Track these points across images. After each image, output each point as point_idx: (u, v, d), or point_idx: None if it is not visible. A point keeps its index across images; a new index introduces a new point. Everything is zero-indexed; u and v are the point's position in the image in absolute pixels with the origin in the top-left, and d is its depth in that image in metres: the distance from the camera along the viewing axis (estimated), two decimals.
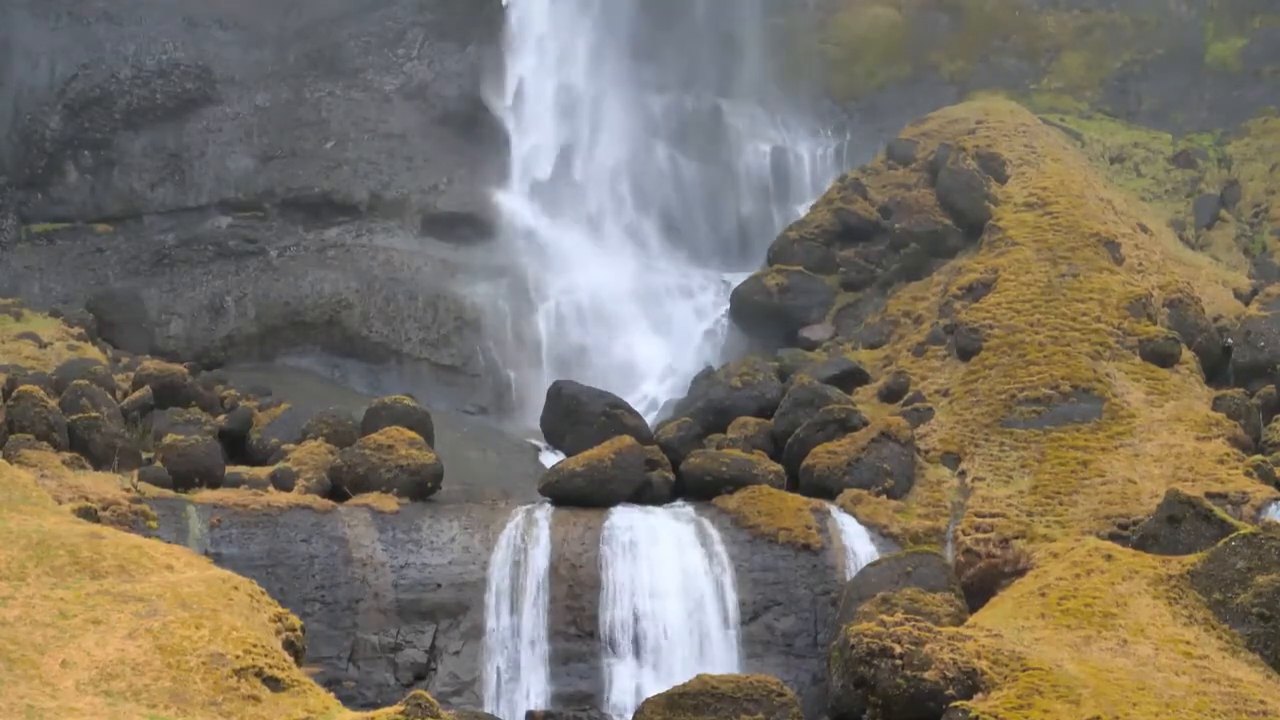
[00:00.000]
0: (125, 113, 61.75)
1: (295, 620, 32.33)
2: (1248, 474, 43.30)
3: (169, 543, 34.94)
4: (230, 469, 43.06)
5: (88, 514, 36.57)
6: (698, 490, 44.24)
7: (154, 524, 38.95)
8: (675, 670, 39.30)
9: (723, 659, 40.15)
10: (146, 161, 61.75)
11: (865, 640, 33.47)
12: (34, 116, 61.17)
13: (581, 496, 42.92)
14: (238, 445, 45.86)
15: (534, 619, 40.47)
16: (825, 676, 38.73)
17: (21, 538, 31.58)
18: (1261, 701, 33.06)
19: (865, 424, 45.64)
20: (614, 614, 40.49)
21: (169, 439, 42.74)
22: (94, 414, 43.00)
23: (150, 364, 49.54)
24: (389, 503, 41.97)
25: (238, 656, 28.57)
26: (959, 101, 65.90)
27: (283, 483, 42.38)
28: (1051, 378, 46.94)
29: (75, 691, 27.14)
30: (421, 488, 42.83)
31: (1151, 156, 65.02)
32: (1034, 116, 62.68)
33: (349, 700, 36.00)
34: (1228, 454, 44.17)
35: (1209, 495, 41.26)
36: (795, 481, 45.03)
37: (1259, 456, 44.40)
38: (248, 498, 41.13)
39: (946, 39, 70.59)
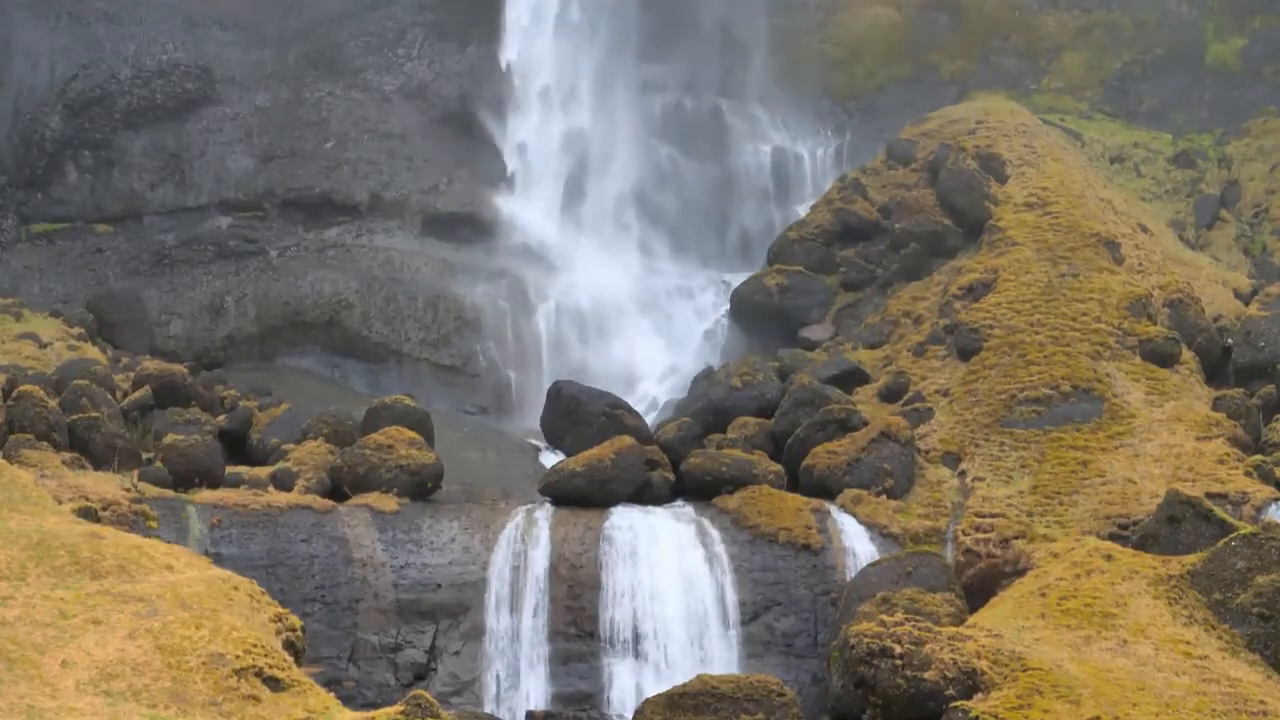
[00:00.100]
0: (125, 113, 61.78)
1: (295, 620, 32.34)
2: (1248, 474, 43.29)
3: (169, 543, 34.95)
4: (230, 469, 43.07)
5: (88, 514, 36.57)
6: (698, 490, 44.23)
7: (154, 524, 38.95)
8: (675, 670, 39.30)
9: (723, 659, 40.14)
10: (146, 161, 61.77)
11: (865, 640, 33.47)
12: (34, 116, 61.20)
13: (581, 496, 42.91)
14: (238, 445, 45.86)
15: (534, 619, 40.47)
16: (825, 676, 38.73)
17: (21, 538, 31.58)
18: (1261, 701, 33.07)
19: (865, 424, 45.64)
20: (614, 614, 40.48)
21: (169, 439, 42.75)
22: (94, 414, 43.00)
23: (150, 364, 49.55)
24: (389, 503, 41.97)
25: (238, 656, 28.57)
26: (959, 101, 65.90)
27: (283, 483, 42.38)
28: (1051, 378, 46.94)
29: (75, 691, 27.14)
30: (421, 488, 42.83)
31: (1151, 156, 65.02)
32: (1034, 116, 62.67)
33: (349, 700, 35.99)
34: (1228, 454, 44.17)
35: (1209, 495, 41.26)
36: (795, 481, 45.02)
37: (1259, 456, 44.40)
38: (248, 498, 41.13)
39: (946, 39, 70.58)
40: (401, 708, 28.34)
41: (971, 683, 32.87)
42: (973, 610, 38.67)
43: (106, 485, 39.80)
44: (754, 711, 33.82)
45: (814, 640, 40.79)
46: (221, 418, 46.76)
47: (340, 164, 62.29)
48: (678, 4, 68.06)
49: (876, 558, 41.28)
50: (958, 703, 32.35)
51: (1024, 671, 33.03)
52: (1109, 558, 37.58)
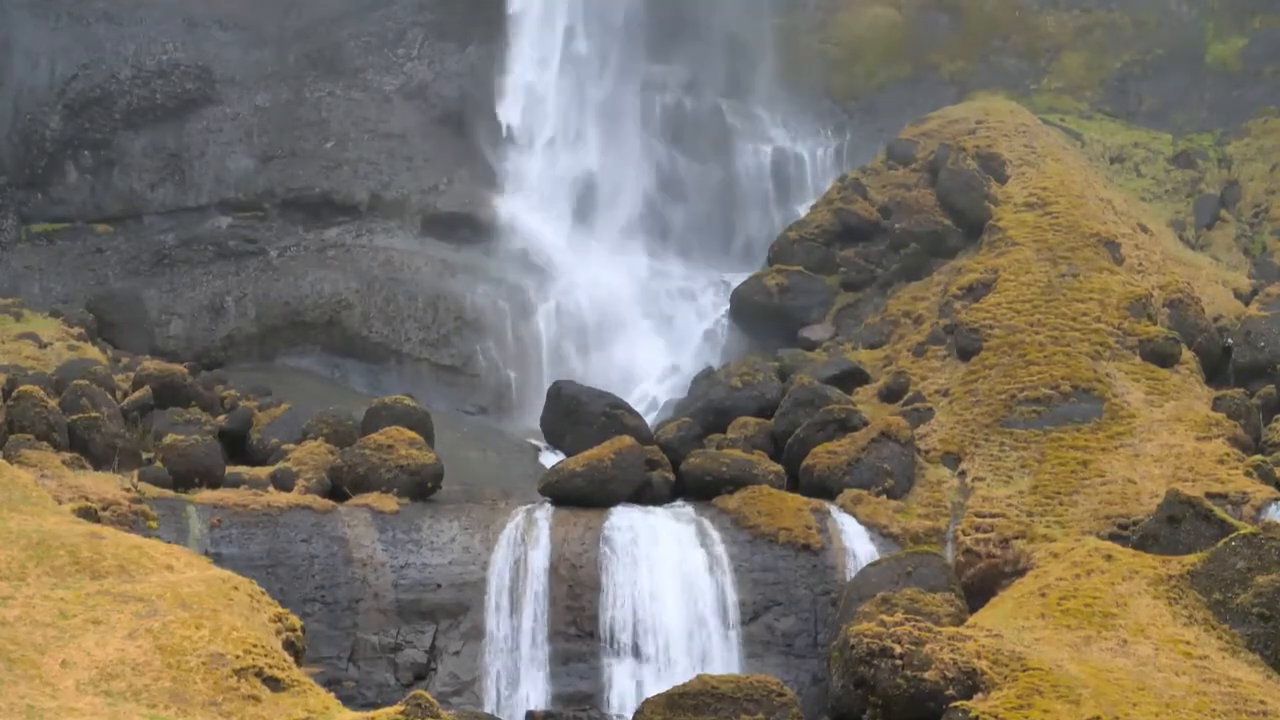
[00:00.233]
0: (125, 113, 61.77)
1: (295, 620, 32.34)
2: (1248, 474, 43.29)
3: (169, 543, 34.94)
4: (230, 469, 43.06)
5: (88, 514, 36.57)
6: (698, 490, 44.23)
7: (154, 524, 38.95)
8: (675, 670, 39.31)
9: (723, 659, 40.14)
10: (146, 161, 61.77)
11: (865, 640, 33.47)
12: (34, 116, 61.20)
13: (581, 496, 42.91)
14: (238, 445, 45.85)
15: (534, 619, 40.47)
16: (825, 676, 38.73)
17: (21, 538, 31.58)
18: (1261, 701, 33.07)
19: (865, 424, 45.64)
20: (614, 614, 40.48)
21: (169, 439, 42.75)
22: (94, 414, 43.00)
23: (150, 364, 49.55)
24: (389, 503, 41.97)
25: (238, 656, 28.57)
26: (959, 101, 65.88)
27: (283, 483, 42.38)
28: (1051, 378, 46.94)
29: (75, 691, 27.14)
30: (421, 488, 42.83)
31: (1151, 156, 65.01)
32: (1034, 116, 62.67)
33: (349, 700, 36.00)
34: (1228, 454, 44.17)
35: (1209, 495, 41.26)
36: (795, 481, 45.02)
37: (1259, 456, 44.40)
38: (248, 498, 41.13)
39: (946, 39, 70.57)
40: (401, 708, 28.34)
41: (971, 683, 32.87)
42: (973, 610, 38.67)
43: (106, 485, 39.80)
44: (754, 711, 33.82)
45: (814, 640, 40.79)
46: (221, 418, 46.76)
47: (340, 164, 62.29)
48: (678, 4, 68.05)
49: (876, 558, 41.27)
50: (958, 703, 32.35)
51: (1024, 671, 33.03)
52: (1109, 558, 37.58)
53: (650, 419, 50.94)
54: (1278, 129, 64.98)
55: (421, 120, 63.61)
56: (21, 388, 42.68)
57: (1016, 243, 53.10)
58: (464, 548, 41.29)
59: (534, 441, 51.96)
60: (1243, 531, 37.09)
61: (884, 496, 43.77)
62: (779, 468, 44.83)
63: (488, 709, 39.42)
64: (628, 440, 44.30)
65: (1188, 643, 34.93)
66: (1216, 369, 50.13)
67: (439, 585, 40.69)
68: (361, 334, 59.13)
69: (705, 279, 62.75)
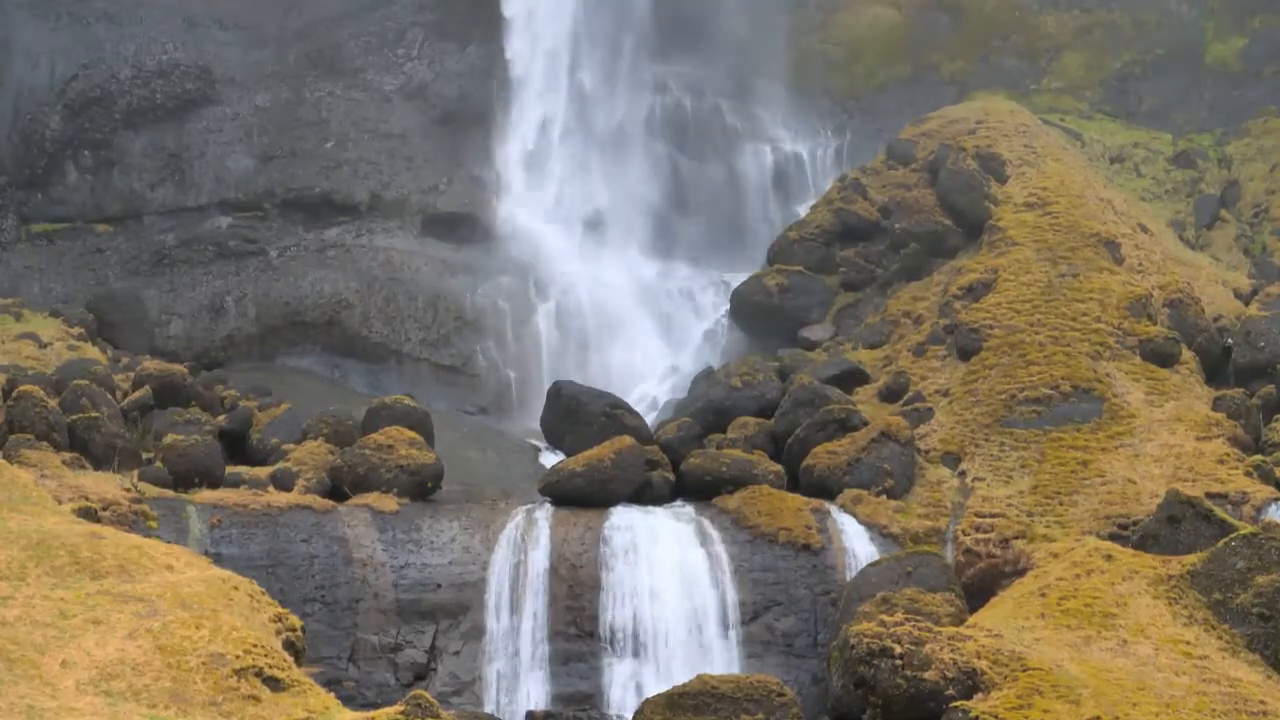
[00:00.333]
0: (125, 113, 61.76)
1: (295, 620, 32.34)
2: (1248, 474, 43.30)
3: (169, 543, 34.95)
4: (230, 469, 43.06)
5: (88, 514, 36.57)
6: (698, 490, 44.23)
7: (154, 524, 38.95)
8: (675, 670, 39.29)
9: (723, 659, 40.14)
10: (146, 161, 61.76)
11: (865, 640, 33.47)
12: (34, 116, 61.18)
13: (581, 496, 42.91)
14: (238, 445, 45.85)
15: (534, 619, 40.47)
16: (825, 676, 38.73)
17: (21, 538, 31.58)
18: (1261, 701, 33.07)
19: (865, 424, 45.64)
20: (614, 614, 40.48)
21: (169, 439, 42.74)
22: (94, 414, 42.99)
23: (150, 364, 49.55)
24: (389, 503, 41.97)
25: (238, 656, 28.57)
26: (959, 101, 65.89)
27: (283, 483, 42.38)
28: (1051, 378, 46.94)
29: (75, 691, 27.14)
30: (421, 488, 42.83)
31: (1151, 156, 65.02)
32: (1034, 116, 62.67)
33: (349, 700, 36.00)
34: (1228, 454, 44.17)
35: (1209, 495, 41.26)
36: (795, 481, 45.02)
37: (1259, 456, 44.40)
38: (248, 498, 41.13)
39: (946, 39, 70.57)
40: (401, 708, 28.34)
41: (971, 683, 32.87)
42: (973, 610, 38.67)
43: (106, 485, 39.80)
44: (754, 711, 33.82)
45: (814, 640, 40.79)
46: (221, 418, 46.76)
47: (340, 164, 62.28)
48: (679, 5, 68.05)
49: (876, 558, 41.27)
50: (958, 703, 32.35)
51: (1024, 671, 33.03)
52: (1109, 558, 37.59)
53: (650, 419, 50.94)
54: (1278, 129, 64.99)
55: (421, 120, 63.60)
56: (21, 388, 42.68)
57: (1016, 243, 53.10)
58: (464, 548, 41.29)
59: (534, 441, 51.96)
60: (1243, 531, 37.10)
61: (884, 496, 43.77)
62: (779, 468, 44.83)
63: (488, 709, 39.42)
64: (628, 440, 44.30)
65: (1188, 643, 34.93)
66: (1216, 369, 50.13)
67: (439, 585, 40.69)
68: (361, 334, 59.13)
69: (705, 279, 62.75)
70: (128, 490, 39.79)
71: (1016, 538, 41.94)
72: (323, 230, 61.41)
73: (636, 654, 40.21)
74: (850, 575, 41.09)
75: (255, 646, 29.02)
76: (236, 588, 31.75)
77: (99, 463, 41.64)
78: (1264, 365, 48.60)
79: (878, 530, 42.64)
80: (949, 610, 38.77)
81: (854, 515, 43.00)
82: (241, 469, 43.48)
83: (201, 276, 59.61)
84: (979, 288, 51.72)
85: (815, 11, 71.49)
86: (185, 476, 41.56)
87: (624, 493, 43.39)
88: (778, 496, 43.24)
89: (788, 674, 39.52)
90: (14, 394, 42.48)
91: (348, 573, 40.23)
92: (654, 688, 37.91)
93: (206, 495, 40.93)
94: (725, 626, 40.74)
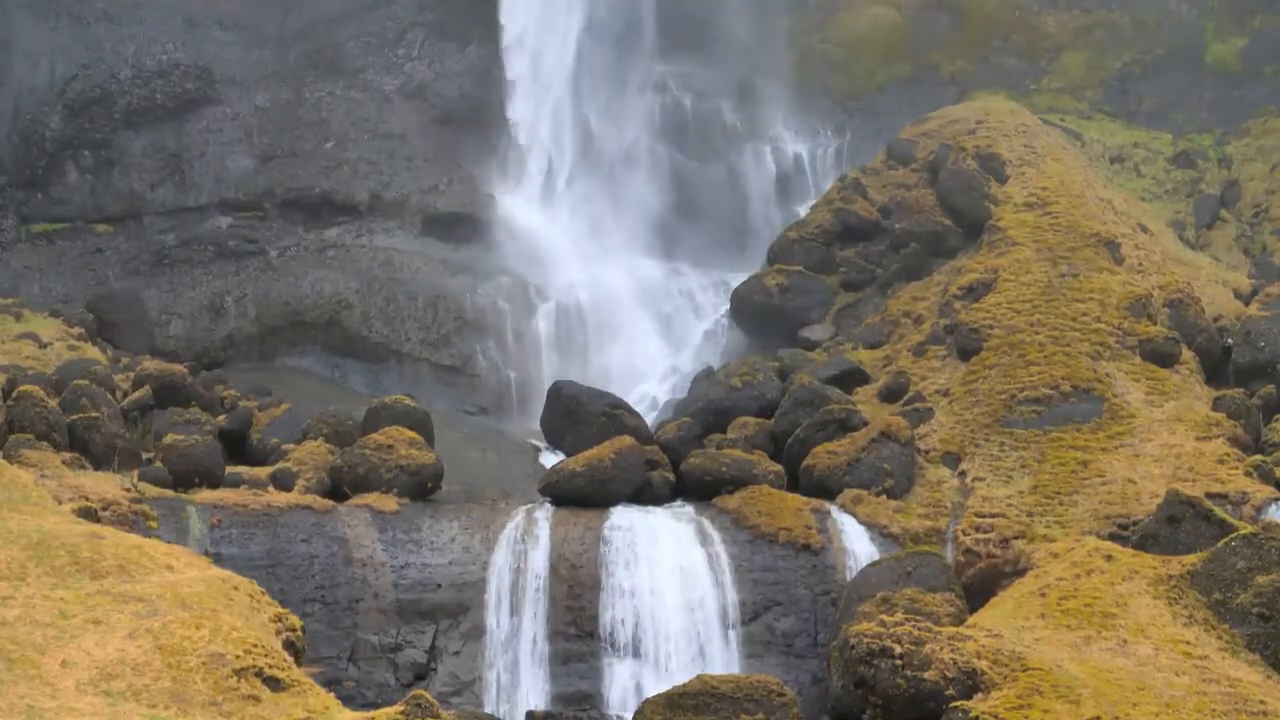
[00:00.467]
0: (125, 113, 61.76)
1: (295, 620, 32.34)
2: (1248, 474, 43.29)
3: (169, 543, 34.95)
4: (230, 469, 43.06)
5: (88, 514, 36.57)
6: (698, 490, 44.23)
7: (154, 524, 38.95)
8: (675, 670, 39.31)
9: (723, 659, 40.14)
10: (146, 161, 61.76)
11: (865, 640, 33.47)
12: (34, 116, 61.18)
13: (581, 496, 42.91)
14: (238, 445, 45.85)
15: (534, 619, 40.47)
16: (825, 676, 38.73)
17: (21, 538, 31.58)
18: (1261, 701, 33.07)
19: (865, 424, 45.63)
20: (614, 614, 40.49)
21: (169, 439, 42.74)
22: (94, 414, 43.00)
23: (150, 364, 49.54)
24: (389, 503, 41.96)
25: (238, 656, 28.57)
26: (959, 101, 65.88)
27: (283, 483, 42.38)
28: (1051, 378, 46.94)
29: (75, 691, 27.14)
30: (421, 488, 42.82)
31: (1151, 156, 65.02)
32: (1034, 116, 62.66)
33: (349, 700, 36.00)
34: (1228, 454, 44.17)
35: (1209, 495, 41.26)
36: (795, 481, 45.02)
37: (1259, 456, 44.40)
38: (248, 498, 41.13)
39: (946, 39, 70.57)
40: (401, 708, 28.34)
41: (971, 683, 32.87)
42: (973, 610, 38.67)
43: (106, 485, 39.80)
44: (754, 711, 33.82)
45: (814, 640, 40.78)
46: (221, 418, 46.76)
47: (340, 164, 62.28)
48: (680, 5, 68.04)
49: (876, 558, 41.27)
50: (958, 703, 32.36)
51: (1024, 671, 33.03)
52: (1109, 558, 37.59)
53: (650, 419, 50.95)
54: (1278, 129, 64.98)
55: (421, 120, 63.60)
56: (21, 388, 42.68)
57: (1016, 243, 53.10)
58: (464, 548, 41.29)
59: (534, 441, 51.96)
60: (1243, 531, 37.10)
61: (884, 496, 43.77)
62: (779, 468, 44.83)
63: (488, 709, 39.42)
64: (628, 440, 44.30)
65: (1188, 643, 34.94)
66: (1216, 369, 50.13)
67: (439, 585, 40.69)
68: (361, 334, 59.13)
69: (705, 279, 62.74)
70: (128, 490, 39.79)
71: (1016, 538, 41.94)
72: (323, 230, 61.42)
73: (636, 654, 40.21)
74: (850, 575, 41.09)
75: (255, 646, 29.02)
76: (236, 588, 31.75)
77: (99, 463, 41.64)
78: (1264, 365, 48.60)
79: (878, 530, 42.64)
80: (949, 610, 38.77)
81: (854, 515, 42.99)
82: (241, 469, 43.48)
83: (201, 276, 59.61)
84: (979, 288, 51.71)
85: (815, 11, 71.48)
86: (185, 476, 41.56)
87: (624, 493, 43.39)
88: (778, 496, 43.24)
89: (788, 674, 39.52)
90: (14, 394, 42.48)
91: (348, 573, 40.24)
92: (654, 688, 37.91)
93: (206, 495, 40.93)
94: (725, 626, 40.74)
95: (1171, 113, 67.35)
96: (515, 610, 40.55)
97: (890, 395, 49.18)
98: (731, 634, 40.68)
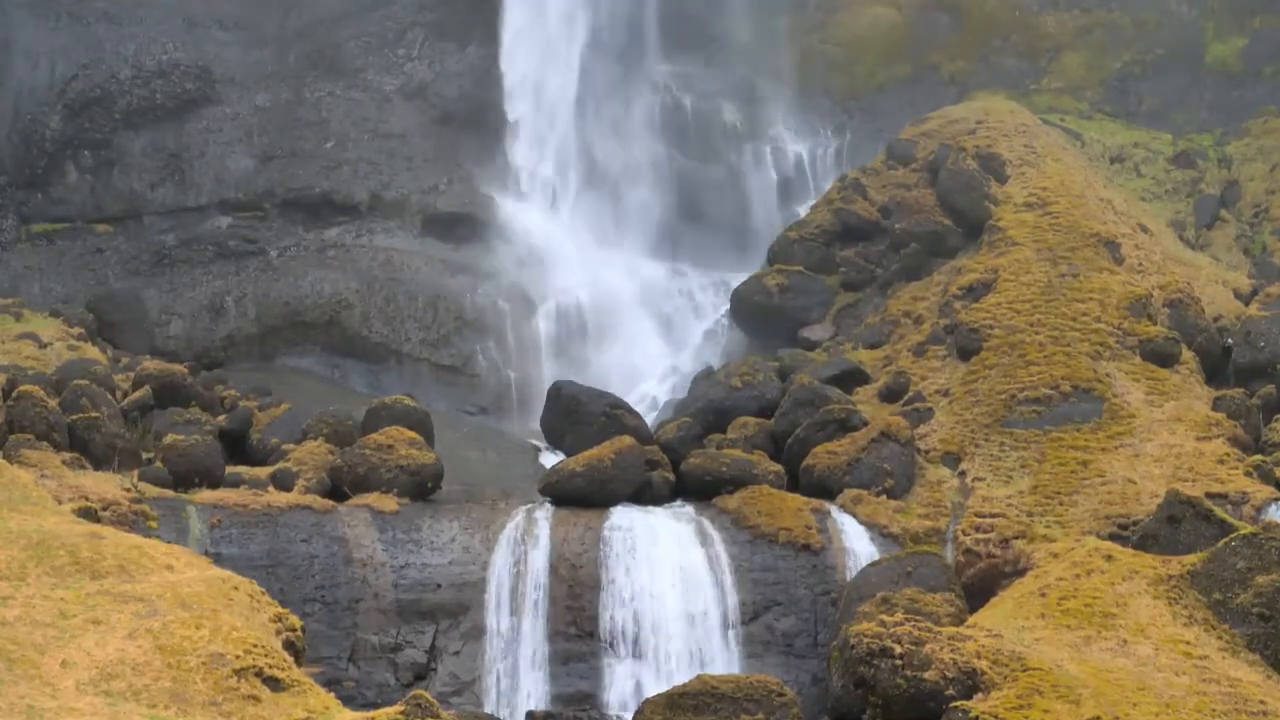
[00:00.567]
0: (125, 113, 61.76)
1: (295, 620, 32.34)
2: (1248, 474, 43.30)
3: (169, 543, 34.95)
4: (230, 469, 43.06)
5: (88, 514, 36.57)
6: (698, 490, 44.23)
7: (154, 524, 38.95)
8: (675, 670, 39.31)
9: (723, 659, 40.14)
10: (146, 161, 61.76)
11: (865, 640, 33.47)
12: (34, 116, 61.18)
13: (581, 496, 42.91)
14: (238, 445, 45.85)
15: (534, 619, 40.47)
16: (825, 676, 38.73)
17: (21, 538, 31.58)
18: (1261, 701, 33.07)
19: (865, 424, 45.64)
20: (614, 614, 40.48)
21: (169, 439, 42.74)
22: (94, 414, 42.99)
23: (150, 364, 49.55)
24: (389, 503, 41.97)
25: (238, 656, 28.57)
26: (959, 101, 65.89)
27: (283, 483, 42.38)
28: (1051, 378, 46.94)
29: (75, 691, 27.14)
30: (421, 488, 42.82)
31: (1151, 156, 65.02)
32: (1034, 116, 62.67)
33: (349, 700, 36.00)
34: (1228, 454, 44.17)
35: (1209, 495, 41.26)
36: (795, 481, 45.02)
37: (1259, 456, 44.40)
38: (248, 498, 41.13)
39: (946, 39, 70.57)
40: (401, 708, 28.34)
41: (971, 683, 32.87)
42: (973, 610, 38.67)
43: (106, 485, 39.80)
44: (754, 711, 33.82)
45: (814, 640, 40.78)
46: (221, 418, 46.76)
47: (340, 164, 62.29)
48: (680, 5, 68.04)
49: (876, 558, 41.27)
50: (958, 703, 32.36)
51: (1024, 671, 33.03)
52: (1109, 558, 37.59)
53: (650, 419, 50.95)
54: (1278, 129, 64.99)
55: (421, 120, 63.60)
56: (21, 388, 42.68)
57: (1016, 243, 53.10)
58: (464, 548, 41.29)
59: (534, 441, 51.97)
60: (1243, 531, 37.10)
61: (884, 496, 43.77)
62: (779, 468, 44.83)
63: (488, 709, 39.43)
64: (628, 440, 44.30)
65: (1188, 643, 34.94)
66: (1216, 369, 50.13)
67: (439, 585, 40.69)
68: (361, 334, 59.13)
69: (705, 279, 62.74)
70: (128, 490, 39.79)
71: (1016, 538, 41.94)
72: (323, 230, 61.42)
73: (636, 654, 40.21)
74: (850, 575, 41.09)
75: (255, 646, 29.02)
76: (236, 588, 31.75)
77: (99, 463, 41.64)
78: (1264, 365, 48.60)
79: (878, 530, 42.64)
80: (949, 610, 38.77)
81: (854, 515, 43.00)
82: (241, 469, 43.48)
83: (201, 276, 59.62)
84: (979, 288, 51.72)
85: (815, 11, 71.48)
86: (185, 476, 41.56)
87: (624, 493, 43.39)
88: (778, 496, 43.24)
89: (788, 674, 39.52)
90: (14, 394, 42.48)
91: (348, 573, 40.24)
92: (654, 688, 37.93)
93: (206, 495, 40.93)
94: (725, 626, 40.74)
95: (1171, 113, 67.36)
96: (515, 610, 40.55)
97: (890, 395, 49.18)
98: (731, 634, 40.68)
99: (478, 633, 40.39)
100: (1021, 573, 40.01)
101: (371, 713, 29.01)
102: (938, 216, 56.97)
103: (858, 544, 42.13)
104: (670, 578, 40.93)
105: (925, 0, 71.30)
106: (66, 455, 41.18)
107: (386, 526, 41.32)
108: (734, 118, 67.48)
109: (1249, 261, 59.20)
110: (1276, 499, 41.93)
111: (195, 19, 63.26)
